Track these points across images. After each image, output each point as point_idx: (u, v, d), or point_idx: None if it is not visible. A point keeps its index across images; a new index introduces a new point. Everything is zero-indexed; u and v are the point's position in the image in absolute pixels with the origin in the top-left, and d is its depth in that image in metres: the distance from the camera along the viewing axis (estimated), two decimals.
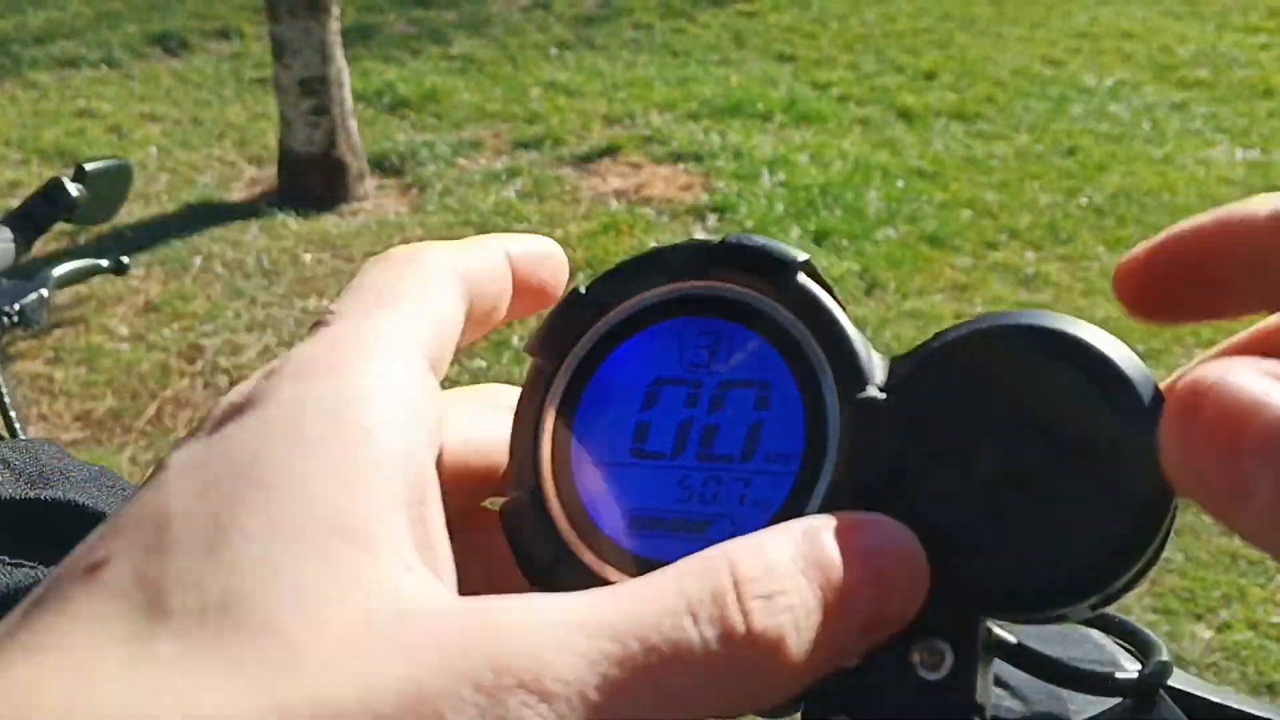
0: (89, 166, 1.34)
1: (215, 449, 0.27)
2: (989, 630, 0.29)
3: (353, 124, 4.33)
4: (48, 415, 3.09)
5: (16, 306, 1.21)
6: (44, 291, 1.25)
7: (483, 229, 4.10)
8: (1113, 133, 4.93)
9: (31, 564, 0.40)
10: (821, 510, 0.29)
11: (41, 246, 1.47)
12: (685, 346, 0.33)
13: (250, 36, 5.92)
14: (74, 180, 1.32)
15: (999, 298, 3.72)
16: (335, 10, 4.18)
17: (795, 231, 4.09)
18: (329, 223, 4.16)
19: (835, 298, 0.32)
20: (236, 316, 3.57)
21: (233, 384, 2.84)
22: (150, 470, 0.29)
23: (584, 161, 4.68)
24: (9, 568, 0.39)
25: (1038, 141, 4.86)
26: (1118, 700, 0.38)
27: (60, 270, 1.34)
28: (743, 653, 0.25)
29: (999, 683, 0.39)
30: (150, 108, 5.20)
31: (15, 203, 3.96)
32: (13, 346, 3.16)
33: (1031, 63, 5.73)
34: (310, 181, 4.26)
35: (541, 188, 4.45)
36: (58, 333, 3.39)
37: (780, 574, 0.26)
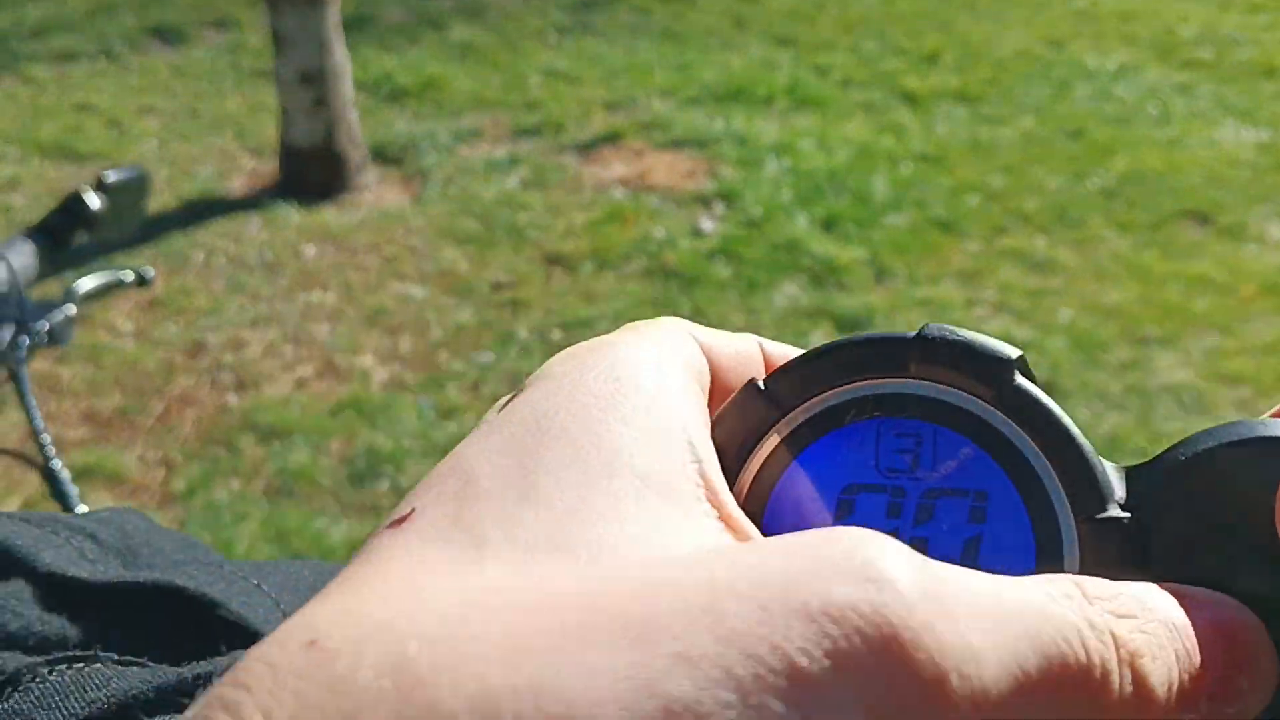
0: (109, 177, 1.31)
1: (505, 417, 0.27)
2: None
3: (353, 115, 4.29)
4: (55, 415, 3.06)
5: (47, 326, 1.18)
6: (72, 310, 1.23)
7: (485, 220, 4.07)
8: (1118, 115, 4.90)
9: (141, 661, 0.37)
10: None
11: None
12: (883, 450, 0.30)
13: (248, 27, 5.87)
14: (95, 191, 1.30)
15: (1009, 284, 3.70)
16: (335, 1, 4.13)
17: (803, 218, 4.06)
18: (330, 215, 4.12)
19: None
20: (240, 311, 3.54)
21: (238, 380, 2.80)
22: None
23: (586, 149, 4.65)
24: (120, 667, 0.36)
25: (1043, 125, 4.82)
26: None
27: (86, 287, 1.32)
28: (1115, 678, 0.23)
29: None
30: (148, 101, 5.15)
31: (15, 199, 3.95)
32: None
33: (1033, 44, 5.69)
34: (311, 173, 4.22)
35: (543, 176, 4.41)
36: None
37: (1129, 600, 0.25)
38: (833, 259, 3.80)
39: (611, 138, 4.72)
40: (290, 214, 4.10)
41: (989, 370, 0.29)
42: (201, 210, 4.15)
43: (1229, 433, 0.27)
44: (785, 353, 0.33)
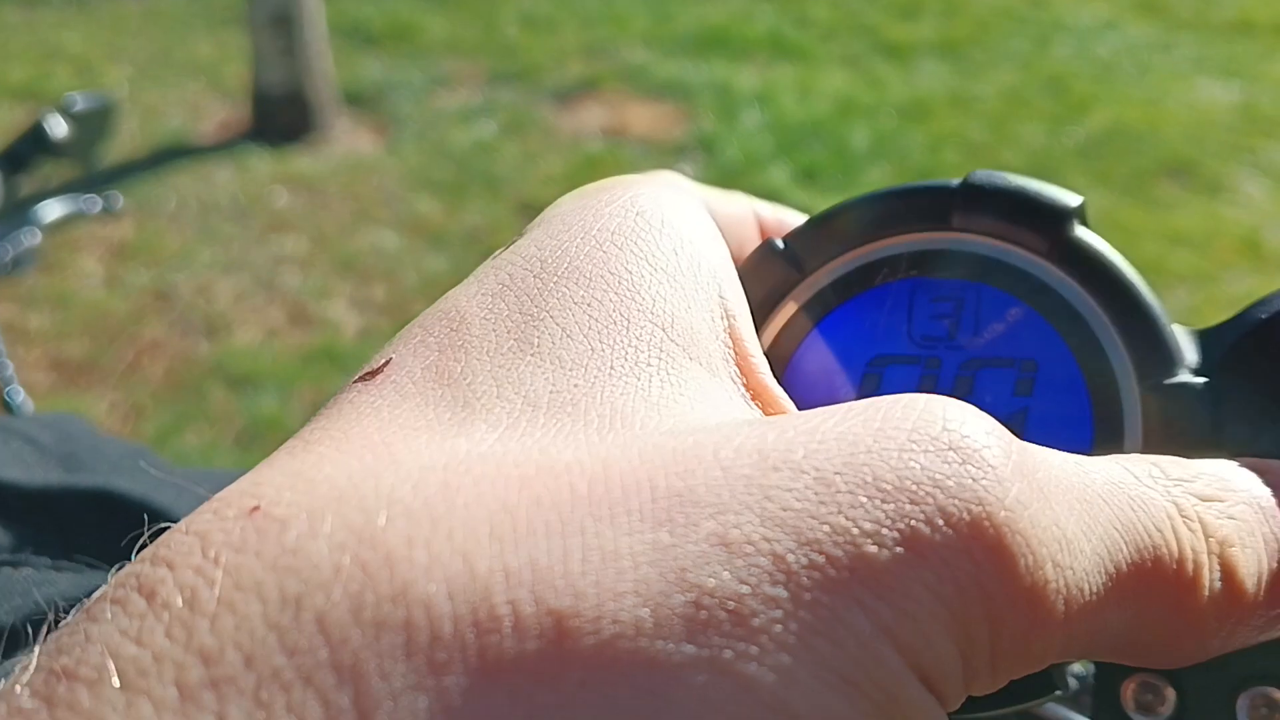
0: (75, 104, 1.27)
1: (506, 256, 0.23)
2: None
3: (325, 60, 4.22)
4: (23, 361, 3.01)
5: (10, 253, 1.15)
6: (36, 236, 1.19)
7: (460, 167, 4.02)
8: (1098, 70, 4.88)
9: (76, 565, 0.34)
10: None
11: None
12: (916, 316, 0.26)
13: None
14: (60, 116, 1.26)
15: None
16: None
17: (781, 170, 4.03)
18: (302, 161, 4.06)
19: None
20: (210, 258, 3.48)
21: (208, 327, 2.76)
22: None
23: (562, 97, 4.59)
24: (51, 571, 0.33)
25: (1023, 79, 4.80)
26: None
27: (50, 216, 1.28)
28: (1205, 572, 0.19)
29: None
30: (118, 45, 5.05)
31: None
32: None
33: None
34: (282, 119, 4.15)
35: (519, 124, 4.36)
36: (30, 277, 3.30)
37: (1211, 480, 0.21)
38: (810, 210, 3.76)
39: (589, 85, 4.66)
40: (261, 160, 4.04)
41: (1044, 220, 0.25)
42: (172, 155, 4.08)
43: None
44: (780, 217, 0.29)
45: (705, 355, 0.22)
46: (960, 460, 0.18)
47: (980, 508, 0.17)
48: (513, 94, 4.61)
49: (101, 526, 0.36)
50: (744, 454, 0.17)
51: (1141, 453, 0.23)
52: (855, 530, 0.17)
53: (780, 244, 0.27)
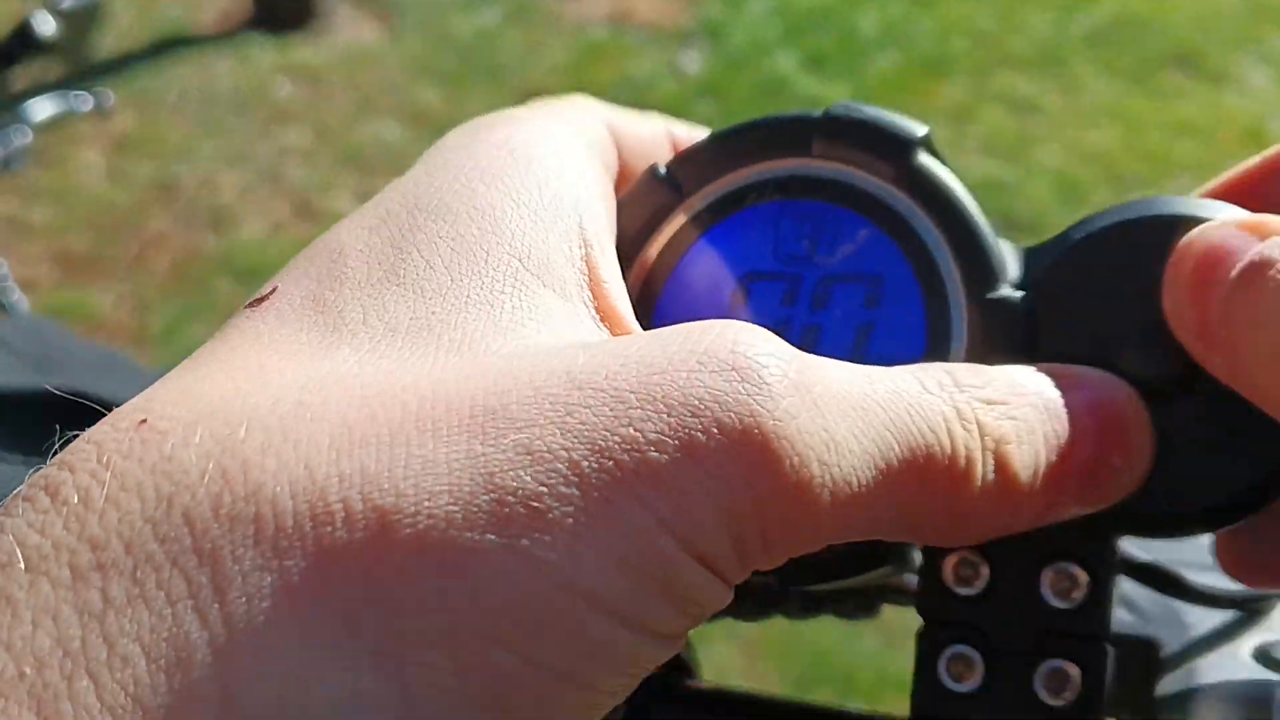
0: (63, 2, 1.26)
1: (386, 192, 0.26)
2: (1116, 549, 0.27)
3: None
4: (26, 256, 3.03)
5: (1, 153, 1.16)
6: (27, 135, 1.20)
7: (463, 57, 3.98)
8: None
9: (45, 462, 0.37)
10: None
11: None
12: (781, 236, 0.29)
13: None
14: (48, 13, 1.26)
15: (996, 127, 3.65)
16: None
17: (788, 57, 3.98)
18: (304, 52, 4.02)
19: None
20: (213, 151, 3.48)
21: (213, 221, 2.77)
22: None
23: None
24: (23, 467, 0.36)
25: None
26: (1237, 613, 0.36)
27: (41, 114, 1.28)
28: (979, 466, 0.23)
29: None
30: None
31: None
32: None
33: None
34: (283, 8, 4.10)
35: (522, 12, 4.30)
36: (31, 171, 3.30)
37: (1001, 385, 0.24)
38: (818, 98, 3.74)
39: None
40: (263, 49, 4.00)
41: (891, 148, 0.28)
42: (171, 46, 4.04)
43: (1128, 210, 0.27)
44: (694, 136, 0.32)
45: (559, 282, 0.24)
46: (739, 379, 0.21)
47: (751, 418, 0.20)
48: None
49: (70, 425, 0.38)
50: (555, 376, 0.20)
51: (965, 359, 0.26)
52: (641, 439, 0.20)
53: (662, 170, 0.29)
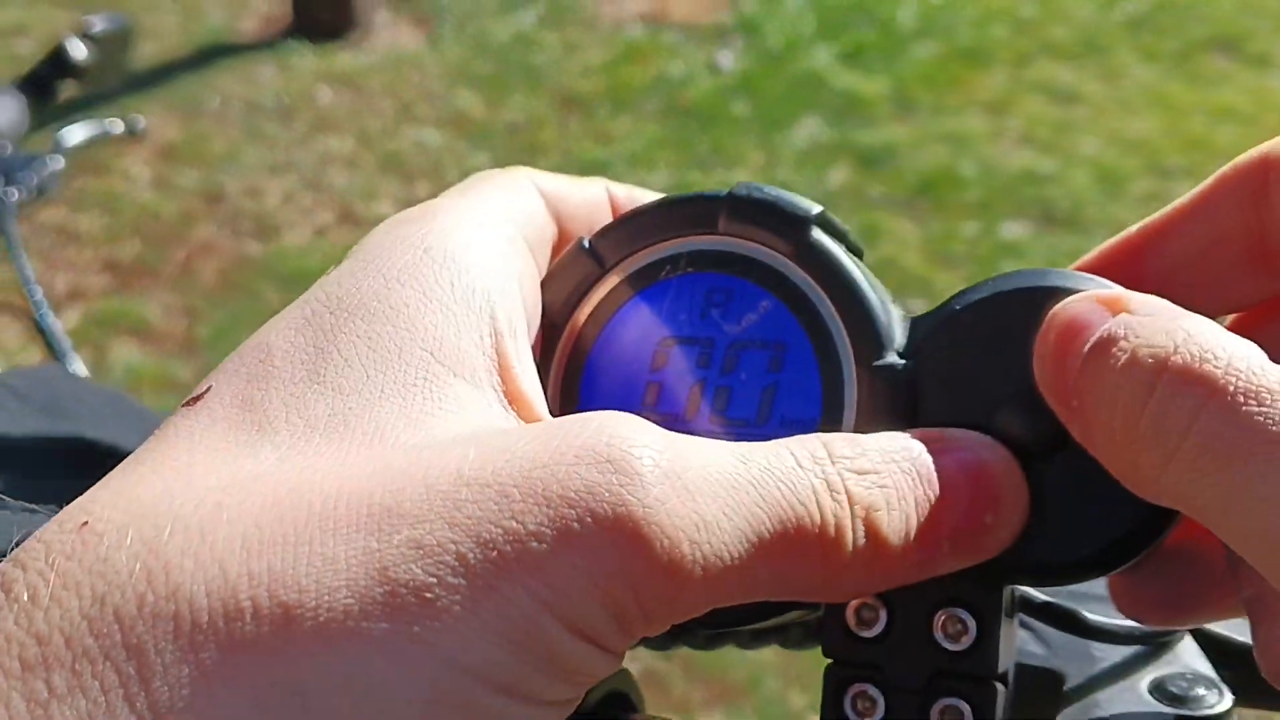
0: (94, 26, 1.30)
1: (312, 292, 0.28)
2: (1013, 591, 0.29)
3: None
4: (75, 263, 3.09)
5: (34, 179, 1.19)
6: (60, 162, 1.23)
7: (501, 61, 4.01)
8: None
9: (49, 507, 0.38)
10: None
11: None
12: (695, 305, 0.32)
13: None
14: (80, 41, 1.29)
15: (1036, 116, 3.62)
16: None
17: (825, 51, 3.97)
18: (344, 57, 4.07)
19: (854, 249, 0.31)
20: (257, 158, 3.52)
21: (258, 228, 2.81)
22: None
23: None
24: (25, 513, 0.38)
25: None
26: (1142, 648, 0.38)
27: (74, 139, 1.32)
28: (849, 534, 0.24)
29: (1022, 624, 0.39)
30: None
31: (21, 46, 3.91)
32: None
33: None
34: (322, 13, 4.15)
35: (559, 13, 4.32)
36: (78, 179, 3.36)
37: (873, 455, 0.26)
38: (855, 92, 3.72)
39: None
40: (303, 56, 4.05)
41: (788, 226, 0.30)
42: (214, 54, 4.10)
43: (1005, 281, 0.29)
44: (634, 196, 0.33)
45: (470, 371, 0.26)
46: (614, 470, 0.23)
47: (623, 507, 0.22)
48: None
49: (74, 471, 0.40)
50: (446, 473, 0.23)
51: (855, 421, 0.29)
52: (523, 531, 0.22)
53: (586, 243, 0.32)
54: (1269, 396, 0.23)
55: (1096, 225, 3.11)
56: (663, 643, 0.43)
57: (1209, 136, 3.44)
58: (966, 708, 0.28)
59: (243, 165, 3.49)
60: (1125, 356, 0.24)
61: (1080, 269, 0.31)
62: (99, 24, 1.30)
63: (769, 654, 2.05)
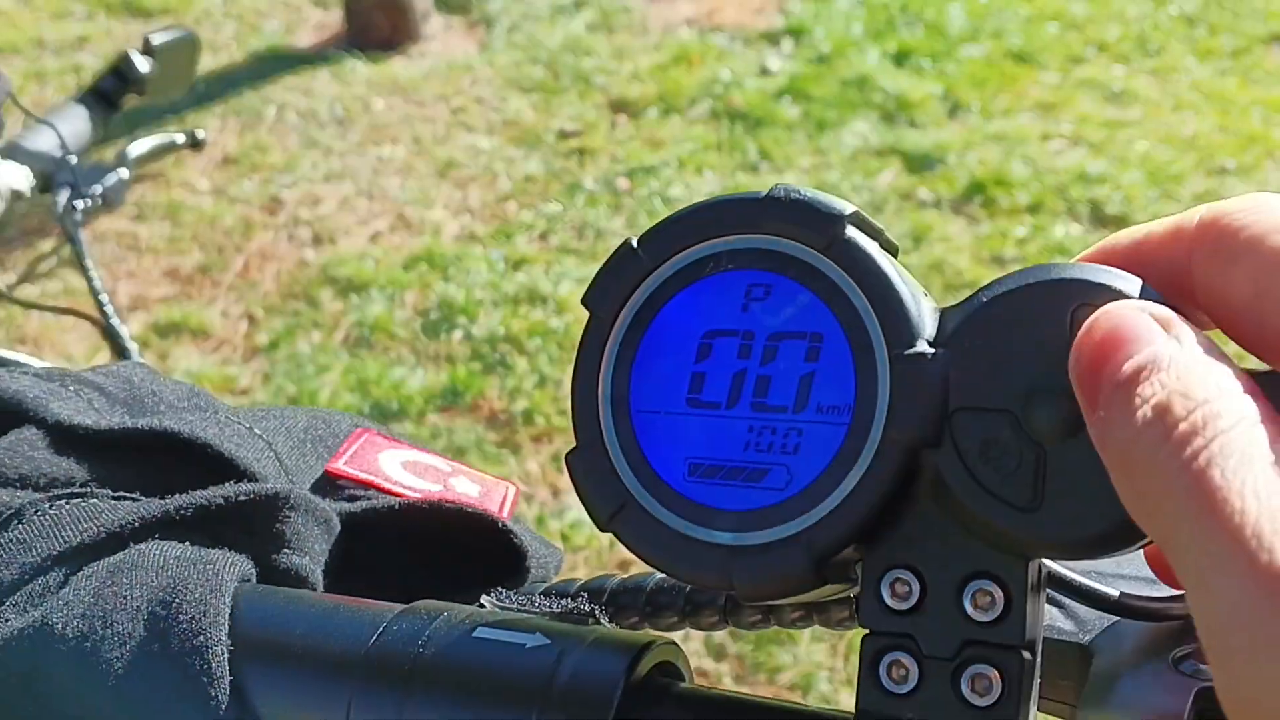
0: (155, 39, 1.33)
1: None
2: (1040, 567, 0.31)
3: None
4: (136, 272, 3.16)
5: (99, 189, 1.22)
6: (124, 173, 1.27)
7: (551, 67, 4.04)
8: None
9: (134, 497, 0.41)
10: (873, 461, 0.30)
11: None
12: (736, 299, 0.33)
13: None
14: (142, 54, 1.32)
15: (1086, 116, 3.60)
16: None
17: (874, 53, 3.97)
18: (398, 66, 4.12)
19: (888, 246, 0.33)
20: (313, 167, 3.58)
21: (315, 235, 2.84)
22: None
23: None
24: (114, 502, 0.40)
25: None
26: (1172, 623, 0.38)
27: (138, 151, 1.35)
28: None
29: (1052, 601, 0.40)
30: None
31: (84, 57, 3.99)
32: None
33: None
34: (376, 23, 4.21)
35: (610, 19, 4.35)
36: (139, 189, 3.43)
37: None
38: (904, 94, 3.72)
39: None
40: (358, 66, 4.11)
41: (823, 224, 0.32)
42: (270, 65, 4.17)
43: (1032, 274, 0.30)
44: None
45: None
46: None
47: None
48: None
49: (157, 463, 0.43)
50: None
51: (888, 410, 0.31)
52: None
53: (634, 243, 0.35)
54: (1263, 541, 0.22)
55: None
56: (676, 621, 0.46)
57: (1265, 133, 3.40)
58: (995, 674, 0.30)
59: (300, 174, 3.55)
60: (1158, 398, 0.25)
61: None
62: (160, 37, 1.33)
63: (820, 653, 2.06)
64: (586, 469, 0.33)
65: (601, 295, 0.34)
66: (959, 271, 2.95)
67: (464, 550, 0.45)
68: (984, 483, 0.29)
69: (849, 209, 0.32)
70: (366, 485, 0.46)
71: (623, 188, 3.38)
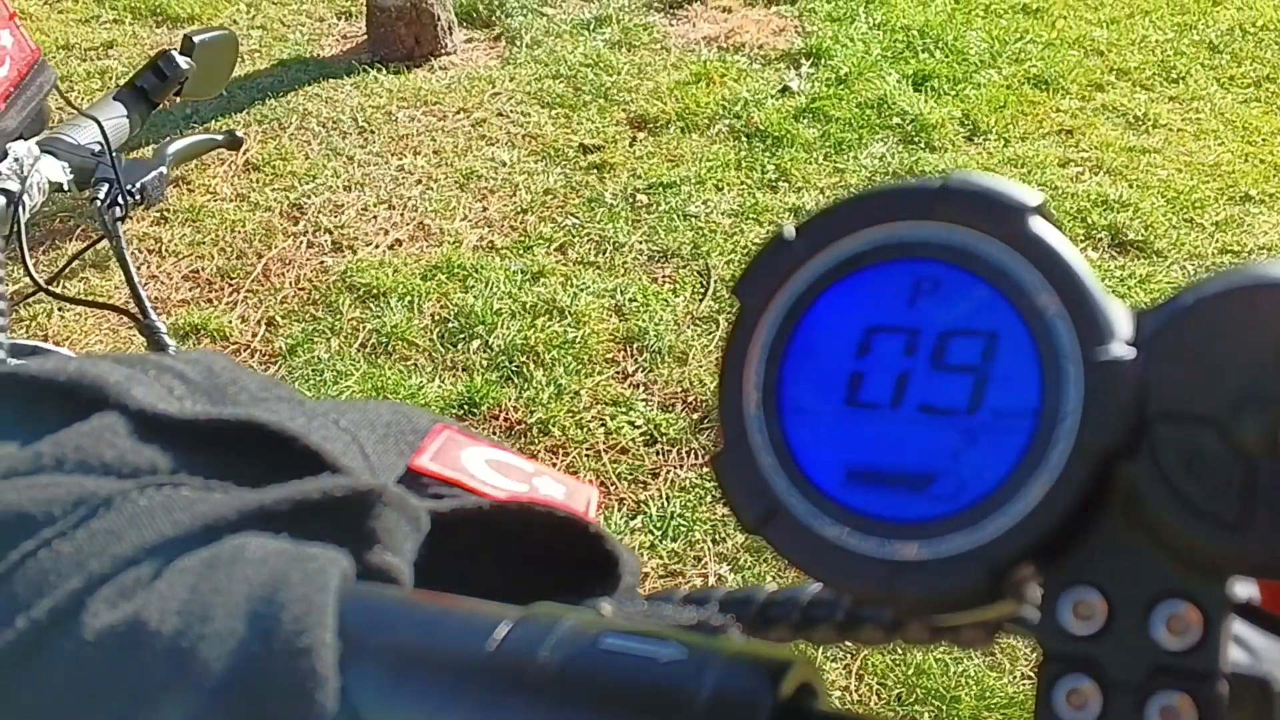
0: (196, 37, 1.34)
1: None
2: (1231, 590, 0.28)
3: None
4: (157, 275, 3.17)
5: (138, 185, 1.23)
6: (163, 169, 1.27)
7: (572, 82, 4.06)
8: None
9: (224, 485, 0.40)
10: (1064, 471, 0.28)
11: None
12: (902, 292, 0.31)
13: None
14: (182, 52, 1.33)
15: (1107, 142, 3.60)
16: None
17: (893, 76, 3.98)
18: (420, 78, 4.14)
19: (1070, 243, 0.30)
20: (335, 175, 3.60)
21: (335, 243, 2.84)
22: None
23: (673, 7, 4.58)
24: (204, 492, 0.39)
25: None
26: None
27: (177, 147, 1.36)
28: None
29: None
30: None
31: (112, 63, 4.01)
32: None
33: None
34: (399, 36, 4.23)
35: (630, 36, 4.37)
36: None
37: None
38: (923, 117, 3.73)
39: None
40: (381, 77, 4.13)
41: (1008, 215, 0.30)
42: (294, 74, 4.19)
43: (1239, 276, 0.28)
44: None
45: None
46: None
47: None
48: (624, 5, 4.61)
49: (244, 451, 0.41)
50: None
51: (1081, 415, 0.28)
52: None
53: (789, 231, 0.32)
54: None
55: (1170, 252, 3.09)
56: (832, 635, 0.42)
57: None
58: (1189, 703, 0.27)
59: (322, 181, 3.56)
60: None
61: None
62: (200, 36, 1.34)
63: (835, 673, 2.05)
64: (730, 471, 0.31)
65: (751, 284, 0.32)
66: None
67: (551, 552, 0.43)
68: (1186, 495, 0.27)
69: (1036, 199, 0.30)
70: (452, 484, 0.44)
71: (642, 203, 3.39)
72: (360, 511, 0.39)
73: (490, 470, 0.46)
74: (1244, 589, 0.30)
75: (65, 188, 1.20)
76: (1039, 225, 0.30)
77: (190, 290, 3.13)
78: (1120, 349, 0.28)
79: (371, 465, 0.43)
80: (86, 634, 0.34)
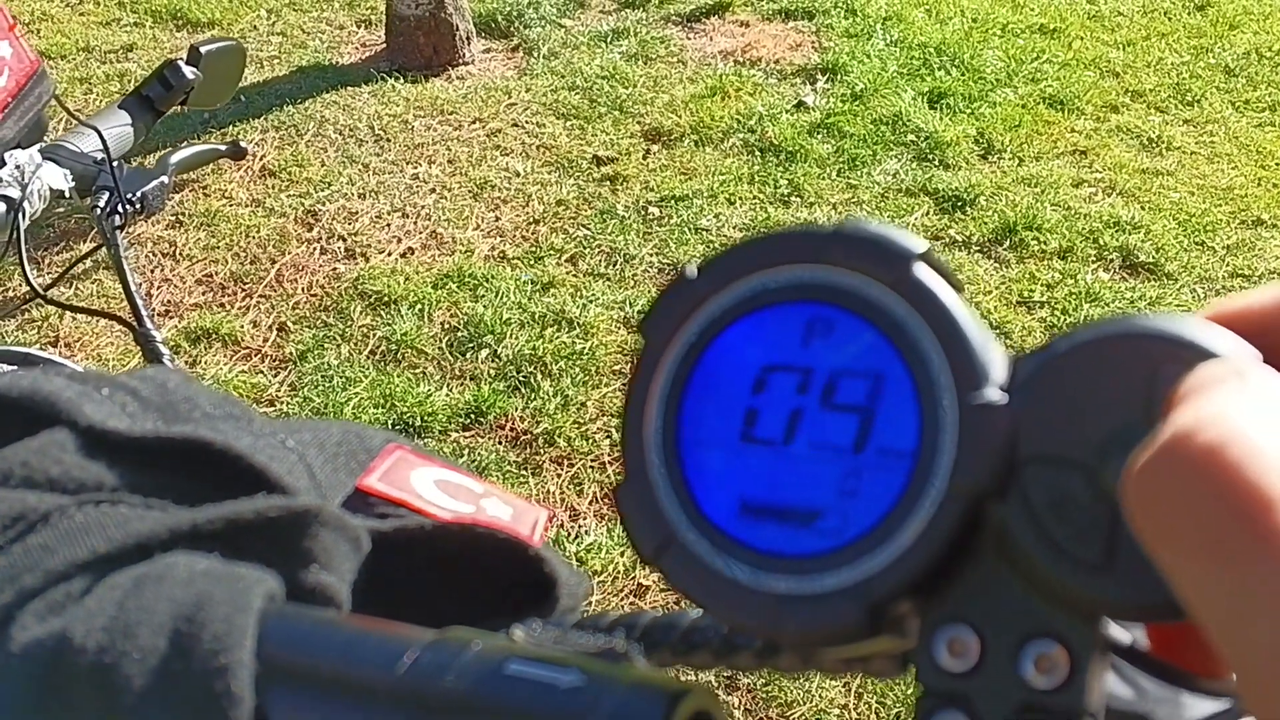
0: (203, 48, 1.35)
1: None
2: (1103, 630, 0.28)
3: None
4: (171, 278, 3.19)
5: (139, 194, 1.23)
6: (165, 179, 1.28)
7: (588, 94, 4.07)
8: None
9: (163, 504, 0.40)
10: (937, 511, 0.28)
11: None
12: (796, 333, 0.32)
13: None
14: (188, 62, 1.34)
15: (1120, 163, 3.60)
16: None
17: (909, 93, 3.99)
18: (437, 87, 4.16)
19: (957, 286, 0.31)
20: (350, 183, 3.61)
21: (348, 250, 2.85)
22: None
23: (691, 21, 4.60)
24: (142, 510, 0.39)
25: None
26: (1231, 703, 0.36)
27: (180, 157, 1.36)
28: None
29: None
30: None
31: (131, 66, 4.04)
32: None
33: None
34: (418, 45, 4.25)
35: (647, 49, 4.39)
36: (178, 197, 3.47)
37: None
38: (938, 135, 3.73)
39: (717, 9, 4.65)
40: (399, 86, 4.15)
41: (893, 261, 0.30)
42: (313, 81, 4.21)
43: (1110, 327, 0.28)
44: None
45: None
46: None
47: None
48: (642, 18, 4.63)
49: (190, 470, 0.41)
50: None
51: (953, 457, 0.29)
52: None
53: (691, 271, 0.33)
54: None
55: (1181, 274, 3.08)
56: (751, 661, 0.42)
57: None
58: None
59: (336, 188, 3.58)
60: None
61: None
62: (207, 46, 1.35)
63: (834, 690, 2.05)
64: (630, 503, 0.32)
65: (656, 322, 0.33)
66: (986, 313, 2.95)
67: (492, 574, 0.44)
68: (1054, 538, 0.27)
69: (921, 247, 0.30)
70: (398, 504, 0.45)
71: (654, 215, 3.40)
72: (296, 531, 0.39)
73: (438, 491, 0.46)
74: (1131, 633, 0.30)
75: (67, 195, 1.21)
76: (922, 271, 0.30)
77: (203, 294, 3.15)
78: (994, 394, 0.29)
79: (319, 484, 0.43)
80: (13, 647, 0.34)
